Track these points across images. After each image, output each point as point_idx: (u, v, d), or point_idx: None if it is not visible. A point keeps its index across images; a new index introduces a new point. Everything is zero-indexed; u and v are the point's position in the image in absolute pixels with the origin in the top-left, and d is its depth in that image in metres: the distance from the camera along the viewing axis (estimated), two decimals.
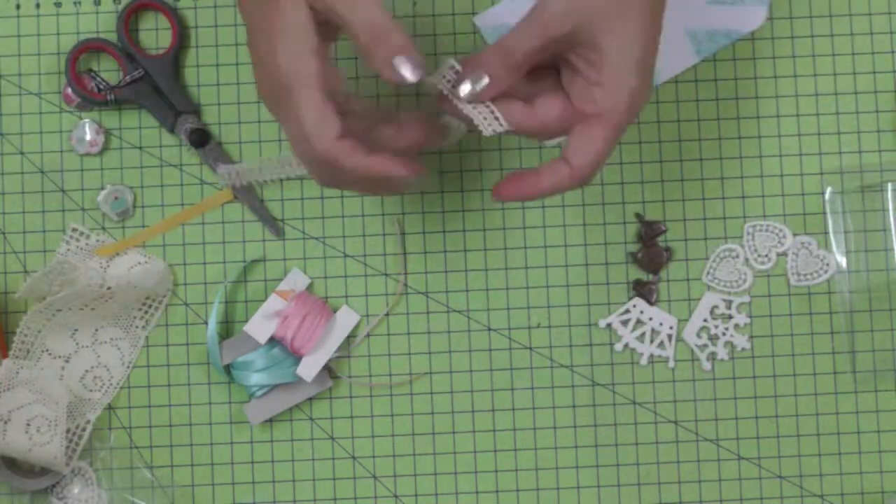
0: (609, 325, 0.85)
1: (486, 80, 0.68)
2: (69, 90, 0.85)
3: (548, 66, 0.71)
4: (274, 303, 0.83)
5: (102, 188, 0.85)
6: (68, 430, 0.83)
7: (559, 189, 0.70)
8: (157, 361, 0.85)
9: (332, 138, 0.66)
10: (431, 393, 0.85)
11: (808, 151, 0.85)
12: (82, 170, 0.85)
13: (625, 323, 0.85)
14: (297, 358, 0.83)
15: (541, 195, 0.71)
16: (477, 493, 0.85)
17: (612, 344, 0.85)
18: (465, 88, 0.69)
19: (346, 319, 0.84)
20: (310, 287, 0.85)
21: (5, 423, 0.81)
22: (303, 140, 0.66)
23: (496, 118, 0.69)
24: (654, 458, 0.85)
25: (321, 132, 0.66)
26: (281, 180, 0.85)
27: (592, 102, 0.69)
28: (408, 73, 0.66)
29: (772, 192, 0.85)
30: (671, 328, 0.85)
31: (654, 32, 0.69)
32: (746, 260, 0.85)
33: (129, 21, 0.85)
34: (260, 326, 0.82)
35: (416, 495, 0.85)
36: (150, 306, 0.85)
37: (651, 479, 0.85)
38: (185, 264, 0.85)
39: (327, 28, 0.67)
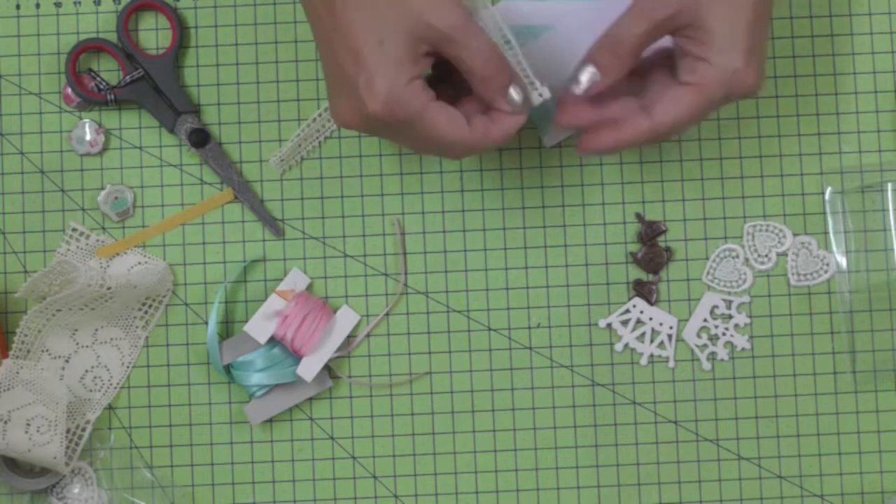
0: (609, 325, 0.85)
1: (594, 72, 0.72)
2: (69, 90, 0.85)
3: (659, 65, 0.74)
4: (274, 303, 0.83)
5: (102, 188, 0.85)
6: (68, 430, 0.83)
7: (638, 142, 0.72)
8: (157, 361, 0.85)
9: (473, 137, 0.71)
10: (431, 393, 0.85)
11: (808, 151, 0.85)
12: (82, 170, 0.85)
13: (625, 323, 0.85)
14: (297, 358, 0.83)
15: (620, 147, 0.73)
16: (477, 493, 0.85)
17: (612, 344, 0.85)
18: (583, 79, 0.73)
19: (346, 319, 0.84)
20: (310, 287, 0.85)
21: (5, 423, 0.81)
22: (448, 149, 0.71)
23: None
24: (654, 458, 0.85)
25: (465, 136, 0.70)
26: (301, 160, 0.85)
27: (693, 73, 0.71)
28: (519, 98, 0.71)
29: (772, 192, 0.85)
30: (671, 328, 0.85)
31: (762, 16, 0.70)
32: (746, 260, 0.85)
33: (129, 21, 0.85)
34: (260, 326, 0.82)
35: (416, 495, 0.85)
36: (150, 306, 0.85)
37: (651, 479, 0.85)
38: (185, 264, 0.85)
39: (424, 57, 0.70)
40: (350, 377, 0.85)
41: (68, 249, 0.85)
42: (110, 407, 0.85)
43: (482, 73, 0.70)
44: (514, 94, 0.71)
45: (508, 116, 0.72)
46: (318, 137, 0.85)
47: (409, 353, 0.85)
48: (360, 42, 0.68)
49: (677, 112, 0.71)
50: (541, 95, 0.73)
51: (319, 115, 0.84)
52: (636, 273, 0.85)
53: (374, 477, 0.85)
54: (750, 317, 0.85)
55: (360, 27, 0.68)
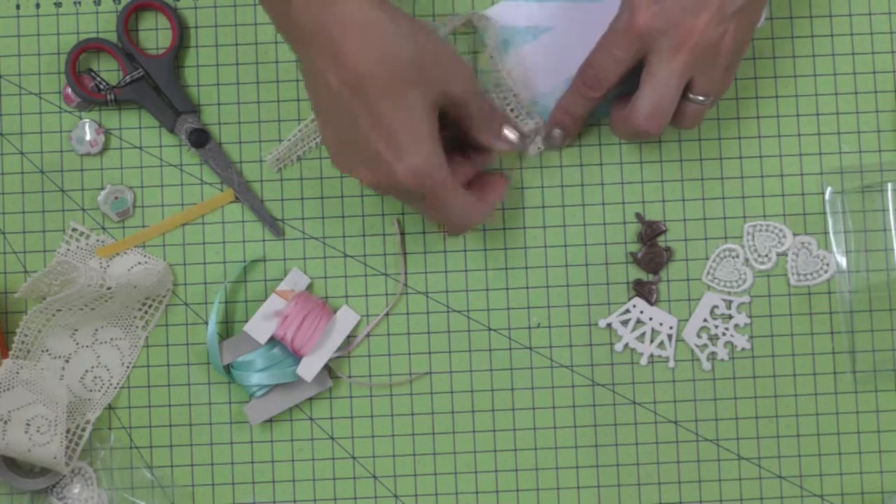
0: (609, 325, 0.85)
1: (561, 134, 0.83)
2: (69, 90, 0.85)
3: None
4: (274, 303, 0.83)
5: (102, 188, 0.85)
6: (68, 430, 0.83)
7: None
8: (157, 361, 0.85)
9: (477, 214, 0.77)
10: (431, 393, 0.85)
11: (808, 151, 0.86)
12: (82, 170, 0.85)
13: (625, 323, 0.85)
14: (297, 358, 0.83)
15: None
16: (477, 493, 0.85)
17: (612, 344, 0.85)
18: (555, 135, 0.83)
19: (346, 319, 0.84)
20: (310, 287, 0.85)
21: (5, 423, 0.81)
22: (452, 223, 0.76)
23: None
24: (654, 458, 0.85)
25: (469, 213, 0.76)
26: (298, 159, 0.85)
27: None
28: (514, 138, 0.78)
29: (772, 192, 0.85)
30: (671, 328, 0.85)
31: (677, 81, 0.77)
32: (746, 260, 0.85)
33: (129, 21, 0.85)
34: (260, 326, 0.82)
35: (416, 495, 0.85)
36: (150, 306, 0.85)
37: (651, 479, 0.85)
38: (185, 264, 0.85)
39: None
40: (350, 377, 0.85)
41: (68, 249, 0.85)
42: (110, 407, 0.85)
43: (484, 124, 0.77)
44: (510, 133, 0.78)
45: (495, 189, 0.79)
46: (315, 139, 0.85)
47: (409, 353, 0.85)
48: (389, 119, 0.71)
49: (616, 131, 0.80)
50: (534, 122, 0.82)
51: None
52: (636, 273, 0.85)
53: (374, 477, 0.85)
54: (750, 317, 0.85)
55: (390, 105, 0.71)
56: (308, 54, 0.72)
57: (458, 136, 0.78)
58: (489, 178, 0.80)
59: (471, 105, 0.75)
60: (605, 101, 0.81)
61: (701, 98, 0.77)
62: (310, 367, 0.82)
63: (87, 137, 0.85)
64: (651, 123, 0.76)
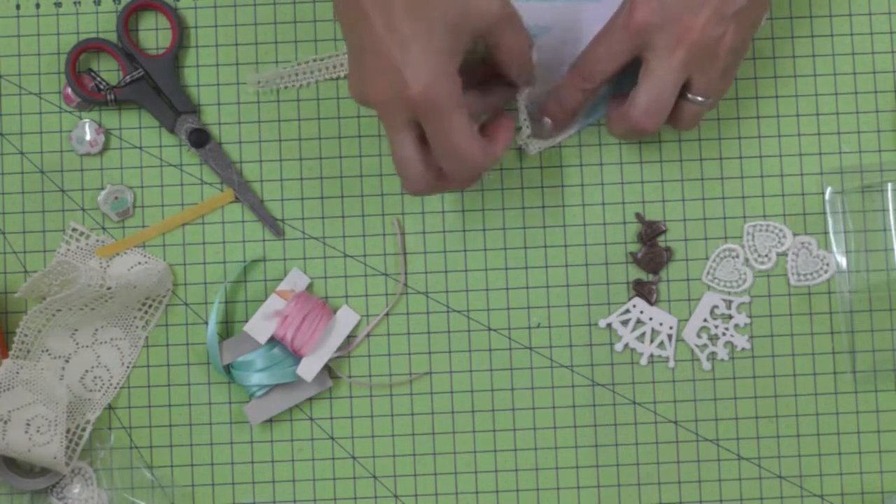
0: (609, 325, 0.85)
1: (549, 122, 0.82)
2: (69, 90, 0.85)
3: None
4: (274, 303, 0.83)
5: (102, 188, 0.85)
6: (68, 430, 0.83)
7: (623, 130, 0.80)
8: (157, 361, 0.85)
9: (482, 153, 0.74)
10: (431, 393, 0.85)
11: (808, 151, 0.85)
12: (82, 170, 0.85)
13: (625, 323, 0.85)
14: (297, 358, 0.83)
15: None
16: (477, 493, 0.85)
17: (612, 344, 0.85)
18: (545, 123, 0.82)
19: (346, 319, 0.84)
20: (310, 287, 0.85)
21: (5, 423, 0.81)
22: (456, 156, 0.73)
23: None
24: (654, 458, 0.85)
25: (474, 150, 0.73)
26: (278, 89, 0.85)
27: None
28: (536, 56, 0.77)
29: (772, 192, 0.85)
30: (671, 328, 0.85)
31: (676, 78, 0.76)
32: (746, 260, 0.85)
33: (128, 21, 0.85)
34: (260, 326, 0.82)
35: (416, 495, 0.85)
36: (150, 306, 0.85)
37: (651, 479, 0.85)
38: (185, 264, 0.85)
39: (461, 51, 0.72)
40: (350, 377, 0.85)
41: (68, 249, 0.85)
42: (110, 407, 0.85)
43: (521, 56, 0.75)
44: (535, 54, 0.77)
45: (505, 133, 0.77)
46: (305, 79, 0.84)
47: (409, 353, 0.85)
48: (407, 29, 0.70)
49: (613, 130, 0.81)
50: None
51: (329, 57, 0.84)
52: (636, 273, 0.85)
53: (374, 477, 0.85)
54: (750, 317, 0.85)
55: (408, 15, 0.70)
56: None
57: (482, 68, 0.78)
58: (496, 121, 0.78)
59: (505, 34, 0.73)
60: (603, 100, 0.81)
61: (699, 98, 0.77)
62: (310, 367, 0.82)
63: (87, 137, 0.85)
64: (648, 120, 0.76)
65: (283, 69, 0.84)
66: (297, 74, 0.85)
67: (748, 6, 0.74)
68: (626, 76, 0.78)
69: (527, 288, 0.85)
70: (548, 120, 0.82)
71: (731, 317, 0.85)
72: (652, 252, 0.85)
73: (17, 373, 0.81)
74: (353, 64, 0.74)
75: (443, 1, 0.70)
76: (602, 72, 0.77)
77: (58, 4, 0.86)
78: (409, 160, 0.74)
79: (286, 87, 0.84)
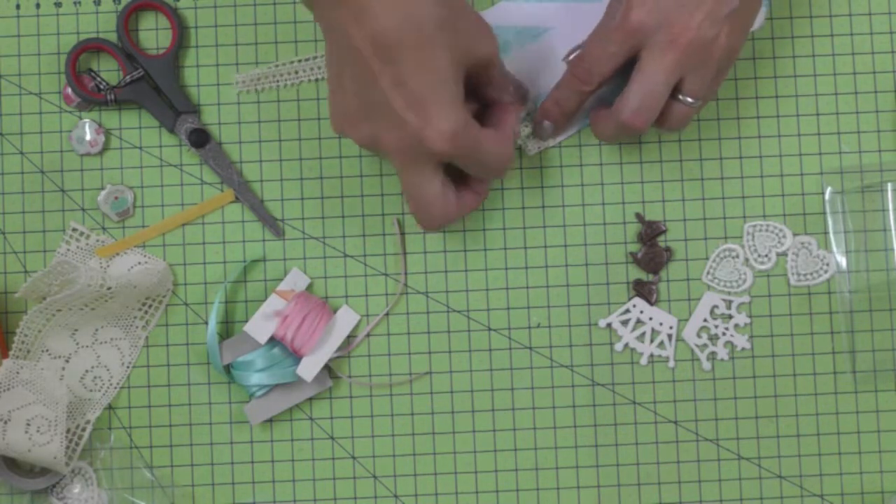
0: (609, 325, 0.85)
1: (549, 125, 0.83)
2: (69, 90, 0.85)
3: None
4: (274, 303, 0.83)
5: (102, 188, 0.85)
6: (68, 430, 0.83)
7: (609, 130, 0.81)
8: (157, 361, 0.85)
9: (509, 148, 0.77)
10: (431, 393, 0.85)
11: (808, 151, 0.86)
12: (82, 170, 0.85)
13: (625, 323, 0.85)
14: (297, 358, 0.83)
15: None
16: (477, 493, 0.85)
17: (612, 344, 0.85)
18: (545, 126, 0.83)
19: (346, 319, 0.84)
20: (310, 287, 0.85)
21: (5, 423, 0.81)
22: (494, 169, 0.76)
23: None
24: (654, 458, 0.85)
25: (507, 155, 0.76)
26: (260, 89, 0.85)
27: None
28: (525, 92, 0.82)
29: (772, 192, 0.85)
30: (671, 328, 0.85)
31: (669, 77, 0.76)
32: (746, 260, 0.85)
33: (129, 21, 0.85)
34: (260, 326, 0.82)
35: (416, 495, 0.85)
36: (150, 306, 0.85)
37: (651, 479, 0.85)
38: (185, 264, 0.85)
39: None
40: (350, 377, 0.85)
41: (68, 249, 0.85)
42: (110, 407, 0.85)
43: (503, 84, 0.77)
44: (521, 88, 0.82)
45: (507, 108, 0.78)
46: (288, 79, 0.84)
47: (409, 353, 0.85)
48: (417, 83, 0.70)
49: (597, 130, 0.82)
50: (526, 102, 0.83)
51: (313, 58, 0.84)
52: (636, 273, 0.85)
53: (374, 477, 0.85)
54: (750, 317, 0.85)
55: (416, 69, 0.70)
56: (332, 13, 0.70)
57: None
58: (498, 110, 0.78)
59: (493, 68, 0.75)
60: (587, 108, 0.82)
61: (690, 100, 0.77)
62: (310, 367, 0.82)
63: (87, 137, 0.85)
64: (637, 118, 0.76)
65: (265, 70, 0.84)
66: (280, 75, 0.85)
67: (741, 8, 0.75)
68: (616, 79, 0.78)
69: (527, 288, 0.85)
70: (548, 123, 0.82)
71: (731, 317, 0.85)
72: (652, 252, 0.85)
73: (17, 373, 0.81)
74: (351, 108, 0.73)
75: (449, 47, 0.70)
76: (599, 73, 0.77)
77: (58, 4, 0.86)
78: (436, 196, 0.75)
79: (266, 88, 0.84)
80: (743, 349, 0.85)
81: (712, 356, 0.85)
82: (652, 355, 0.85)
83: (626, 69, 0.77)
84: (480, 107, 0.79)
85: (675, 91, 0.77)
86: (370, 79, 0.70)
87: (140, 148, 0.85)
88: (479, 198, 0.79)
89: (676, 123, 0.78)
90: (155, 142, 0.85)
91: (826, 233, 0.85)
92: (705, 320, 0.85)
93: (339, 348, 0.84)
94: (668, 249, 0.85)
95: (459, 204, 0.77)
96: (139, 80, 0.84)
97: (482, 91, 0.77)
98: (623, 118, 0.76)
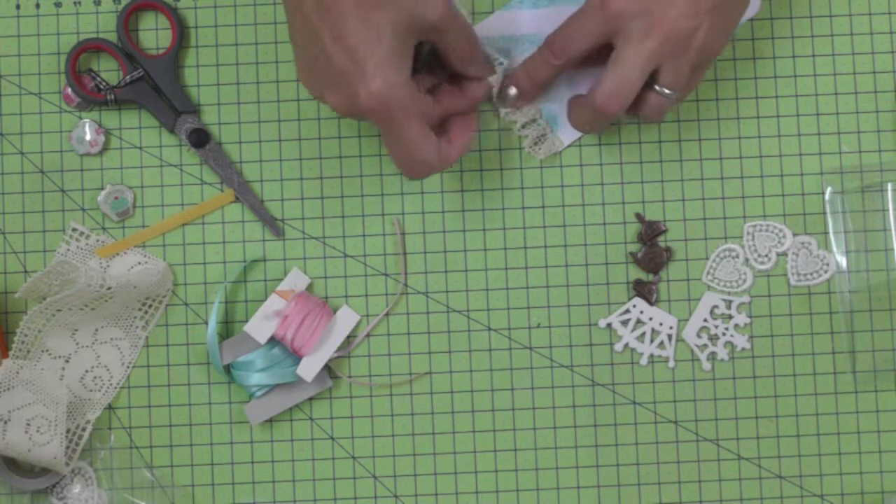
0: (609, 325, 0.85)
1: (515, 92, 0.82)
2: (69, 90, 0.85)
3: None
4: (274, 303, 0.83)
5: (102, 188, 0.85)
6: (68, 430, 0.83)
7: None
8: (157, 361, 0.85)
9: (437, 157, 0.76)
10: (431, 393, 0.85)
11: (808, 151, 0.86)
12: (82, 170, 0.85)
13: (625, 323, 0.85)
14: (297, 358, 0.83)
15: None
16: (477, 493, 0.85)
17: (612, 344, 0.85)
18: (510, 93, 0.82)
19: (346, 319, 0.84)
20: (310, 287, 0.85)
21: (5, 423, 0.81)
22: (410, 160, 0.75)
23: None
24: (654, 458, 0.85)
25: (428, 153, 0.75)
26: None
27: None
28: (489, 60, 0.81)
29: (772, 192, 0.85)
30: (671, 328, 0.85)
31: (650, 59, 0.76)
32: (746, 260, 0.85)
33: (128, 21, 0.85)
34: (260, 326, 0.82)
35: (416, 495, 0.85)
36: (150, 306, 0.85)
37: (651, 479, 0.85)
38: (185, 264, 0.85)
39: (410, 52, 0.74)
40: (350, 377, 0.85)
41: (68, 249, 0.85)
42: (110, 407, 0.85)
43: (465, 53, 0.76)
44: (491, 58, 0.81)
45: (463, 135, 0.79)
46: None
47: (409, 353, 0.85)
48: (354, 39, 0.71)
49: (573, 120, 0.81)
50: (501, 64, 0.82)
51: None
52: (636, 273, 0.85)
53: (374, 477, 0.85)
54: (750, 317, 0.85)
55: (355, 25, 0.70)
56: None
57: (437, 71, 0.78)
58: (456, 120, 0.79)
59: (449, 34, 0.74)
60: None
61: (666, 91, 0.77)
62: (310, 367, 0.82)
63: (87, 137, 0.85)
64: (610, 102, 0.76)
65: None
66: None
67: (725, 5, 0.74)
68: (591, 68, 0.79)
69: (527, 288, 0.85)
70: (513, 88, 0.82)
71: (731, 317, 0.85)
72: (652, 252, 0.85)
73: (17, 373, 0.81)
74: (304, 70, 0.75)
75: (390, 6, 0.71)
76: (572, 50, 0.77)
77: (58, 4, 0.86)
78: (416, 144, 0.75)
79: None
80: (743, 349, 0.85)
81: (712, 356, 0.85)
82: (652, 355, 0.85)
83: (604, 59, 0.77)
84: (447, 79, 0.79)
85: (652, 81, 0.77)
86: (314, 33, 0.71)
87: (140, 148, 0.85)
88: (464, 138, 0.79)
89: (651, 112, 0.78)
90: (155, 142, 0.85)
91: (826, 233, 0.85)
92: (705, 320, 0.85)
93: (339, 348, 0.84)
94: (668, 249, 0.85)
95: (442, 151, 0.77)
96: (139, 80, 0.84)
97: (448, 61, 0.77)
98: (597, 102, 0.76)
